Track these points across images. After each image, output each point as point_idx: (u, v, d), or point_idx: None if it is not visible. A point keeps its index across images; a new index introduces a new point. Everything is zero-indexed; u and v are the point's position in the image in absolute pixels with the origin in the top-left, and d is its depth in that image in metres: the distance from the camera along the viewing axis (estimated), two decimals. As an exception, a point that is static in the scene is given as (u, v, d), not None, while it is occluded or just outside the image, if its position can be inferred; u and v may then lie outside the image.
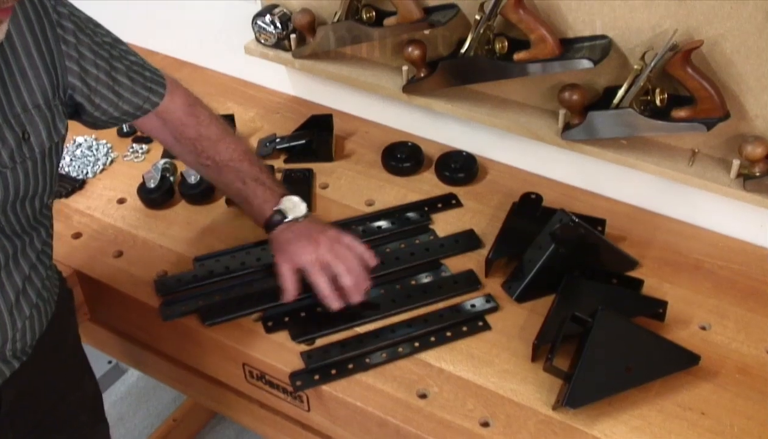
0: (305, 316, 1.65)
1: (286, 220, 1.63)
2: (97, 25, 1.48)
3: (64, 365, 1.56)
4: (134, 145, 2.09)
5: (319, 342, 1.60)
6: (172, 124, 1.63)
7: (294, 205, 1.64)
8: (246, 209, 1.70)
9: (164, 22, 2.37)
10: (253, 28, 2.07)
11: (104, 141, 2.10)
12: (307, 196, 1.91)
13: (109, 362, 2.92)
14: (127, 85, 1.51)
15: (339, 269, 1.59)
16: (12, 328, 1.36)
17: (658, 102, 1.67)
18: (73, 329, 1.64)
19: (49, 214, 1.45)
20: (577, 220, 1.65)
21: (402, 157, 1.99)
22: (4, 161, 1.27)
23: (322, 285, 1.59)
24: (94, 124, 1.54)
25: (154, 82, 1.58)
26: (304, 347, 1.59)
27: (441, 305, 1.65)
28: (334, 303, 1.59)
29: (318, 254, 1.59)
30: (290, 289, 1.60)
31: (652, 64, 1.61)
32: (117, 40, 1.53)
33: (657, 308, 1.59)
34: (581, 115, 1.74)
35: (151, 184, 1.91)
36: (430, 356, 1.56)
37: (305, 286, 1.66)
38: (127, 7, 2.41)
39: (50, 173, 1.37)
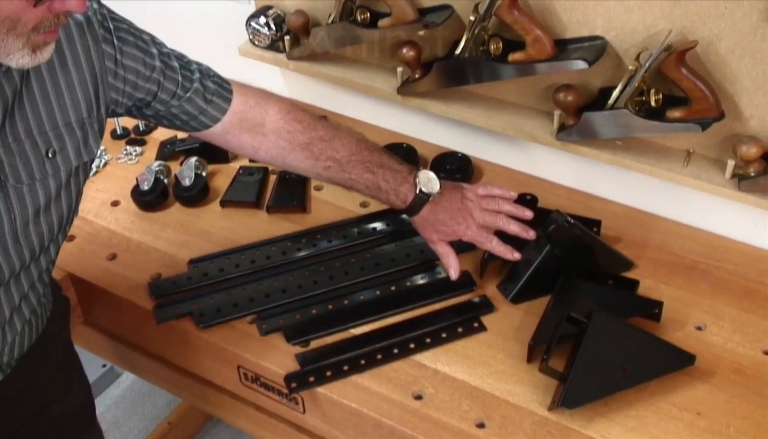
0: (300, 318, 1.64)
1: (431, 199, 1.62)
2: (153, 39, 1.47)
3: (48, 376, 1.54)
4: (128, 147, 2.09)
5: (314, 344, 1.59)
6: (277, 134, 1.59)
7: (428, 180, 1.62)
8: (379, 197, 1.64)
9: (157, 23, 2.35)
10: (247, 30, 2.07)
11: (98, 143, 2.09)
12: (302, 198, 1.91)
13: (104, 366, 2.91)
14: (180, 96, 1.49)
15: (501, 224, 1.64)
16: (1, 342, 1.35)
17: (653, 102, 1.67)
18: (64, 339, 1.62)
19: (68, 231, 1.42)
20: (572, 221, 1.65)
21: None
22: (21, 177, 1.24)
23: (499, 248, 1.64)
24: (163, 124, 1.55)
25: (218, 95, 1.54)
26: (299, 349, 1.58)
27: (436, 306, 1.65)
28: (515, 254, 1.64)
29: (476, 222, 1.63)
30: (455, 266, 1.65)
31: (647, 64, 1.61)
32: (179, 56, 1.52)
33: (652, 309, 1.59)
34: (576, 116, 1.74)
35: (145, 187, 1.91)
36: (426, 358, 1.56)
37: (301, 288, 1.68)
38: (119, 8, 2.40)
39: (75, 192, 1.35)
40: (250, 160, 2.01)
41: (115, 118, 2.09)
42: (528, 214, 1.66)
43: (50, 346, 1.52)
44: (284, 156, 1.61)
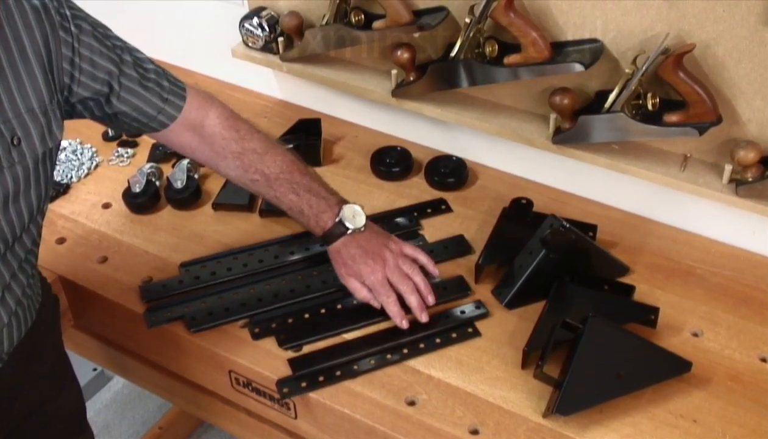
0: (292, 322, 1.64)
1: (348, 232, 1.61)
2: (108, 31, 1.47)
3: (39, 376, 1.53)
4: (119, 149, 2.07)
5: (307, 349, 1.59)
6: (212, 139, 1.60)
7: (354, 214, 1.62)
8: (301, 221, 1.65)
9: (150, 24, 2.36)
10: (240, 31, 2.06)
11: (89, 145, 2.08)
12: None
13: (94, 370, 2.90)
14: (138, 93, 1.49)
15: (405, 288, 1.60)
16: None
17: (649, 106, 1.66)
18: (55, 338, 1.61)
19: (40, 222, 1.42)
20: (567, 225, 1.64)
21: (391, 161, 1.97)
22: None
23: (393, 308, 1.60)
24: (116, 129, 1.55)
25: (173, 93, 1.55)
26: (291, 354, 1.58)
27: (430, 311, 1.63)
28: (404, 323, 1.59)
29: (385, 273, 1.60)
30: (371, 297, 1.62)
31: (644, 67, 1.60)
32: (132, 49, 1.51)
33: (648, 315, 1.58)
34: (572, 119, 1.73)
35: (137, 189, 1.90)
36: (419, 363, 1.55)
37: (294, 292, 1.67)
38: (112, 9, 2.39)
39: (44, 179, 1.35)
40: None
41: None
42: (431, 300, 1.62)
43: (41, 343, 1.51)
44: (217, 162, 1.63)
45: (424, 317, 1.60)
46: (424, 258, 1.65)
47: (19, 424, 1.50)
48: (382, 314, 1.63)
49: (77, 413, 1.68)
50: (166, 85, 1.54)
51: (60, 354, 1.63)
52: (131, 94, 1.48)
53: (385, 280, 1.60)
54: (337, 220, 1.61)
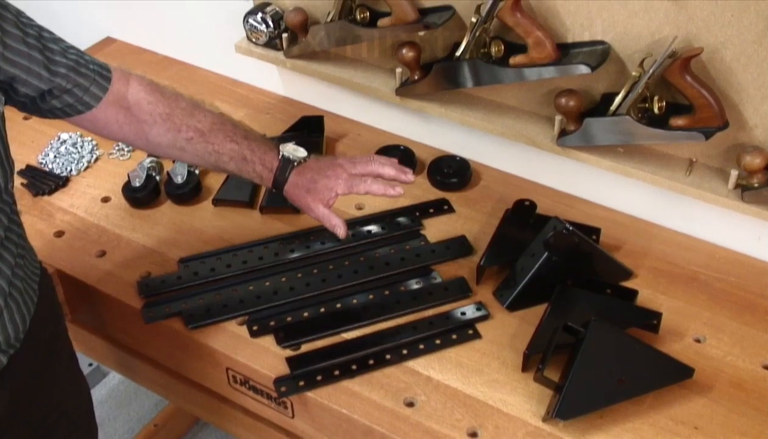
0: (291, 320, 1.63)
1: (296, 164, 1.58)
2: (29, 18, 1.40)
3: (57, 372, 1.53)
4: (120, 143, 2.06)
5: (305, 348, 1.58)
6: (138, 106, 1.52)
7: (294, 149, 1.59)
8: (246, 169, 1.58)
9: (153, 19, 2.35)
10: (245, 27, 2.05)
11: (89, 138, 2.07)
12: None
13: (90, 365, 2.89)
14: (65, 64, 1.41)
15: (374, 168, 1.58)
16: None
17: (656, 110, 1.65)
18: (64, 331, 1.59)
19: (9, 200, 1.40)
20: (571, 228, 1.63)
21: (394, 161, 1.96)
22: None
23: (375, 186, 1.56)
24: (41, 112, 1.45)
25: (99, 68, 1.47)
26: (289, 353, 1.57)
27: (430, 312, 1.64)
28: (397, 189, 1.56)
29: (348, 172, 1.57)
30: (340, 223, 1.57)
31: (651, 70, 1.59)
32: (50, 32, 1.43)
33: (651, 320, 1.57)
34: (577, 121, 1.72)
35: (137, 183, 1.89)
36: (419, 364, 1.55)
37: (293, 290, 1.66)
38: (117, 4, 2.39)
39: None
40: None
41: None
42: (407, 174, 1.59)
43: (53, 336, 1.51)
44: (147, 132, 1.54)
45: (409, 177, 1.58)
46: (377, 155, 1.64)
47: (40, 424, 1.49)
48: (381, 313, 1.63)
49: (88, 409, 1.68)
50: (89, 60, 1.46)
51: (71, 347, 1.62)
52: (57, 66, 1.40)
53: (351, 179, 1.57)
54: (281, 156, 1.58)
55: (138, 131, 1.53)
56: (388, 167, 1.58)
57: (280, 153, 1.58)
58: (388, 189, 1.56)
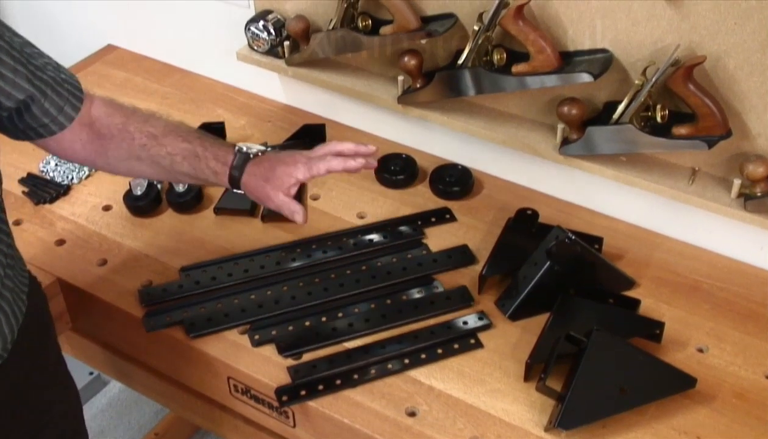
0: (293, 329, 1.63)
1: (252, 156, 1.55)
2: (13, 32, 1.38)
3: (46, 377, 1.52)
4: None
5: (307, 357, 1.58)
6: (99, 121, 1.50)
7: (250, 145, 1.57)
8: (200, 167, 1.54)
9: (155, 25, 2.35)
10: (246, 34, 2.04)
11: (91, 146, 2.06)
12: (298, 207, 1.88)
13: (91, 374, 2.89)
14: (45, 80, 1.39)
15: (332, 147, 1.55)
16: None
17: (658, 118, 1.65)
18: (54, 337, 1.59)
19: None
20: (573, 237, 1.63)
21: (396, 169, 1.96)
22: None
23: (335, 162, 1.53)
24: (16, 132, 1.43)
25: (73, 88, 1.46)
26: (291, 362, 1.57)
27: (432, 321, 1.63)
28: (358, 160, 1.54)
29: (307, 158, 1.54)
30: (299, 209, 1.53)
31: (654, 79, 1.59)
32: (33, 46, 1.43)
33: (653, 329, 1.57)
34: (580, 130, 1.72)
35: (138, 192, 1.88)
36: (421, 374, 1.54)
37: (295, 299, 1.66)
38: (118, 11, 2.39)
39: None
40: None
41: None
42: (353, 164, 1.55)
43: (43, 342, 1.50)
44: (106, 147, 1.51)
45: (370, 147, 1.56)
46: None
47: (28, 430, 1.48)
48: (383, 322, 1.62)
49: (77, 414, 1.67)
50: (65, 83, 1.44)
51: (60, 354, 1.61)
52: (28, 84, 1.37)
53: (310, 162, 1.53)
54: (236, 150, 1.55)
55: (99, 148, 1.51)
56: (346, 144, 1.56)
57: (236, 147, 1.55)
58: (348, 162, 1.54)
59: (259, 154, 1.55)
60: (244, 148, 1.55)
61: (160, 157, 1.52)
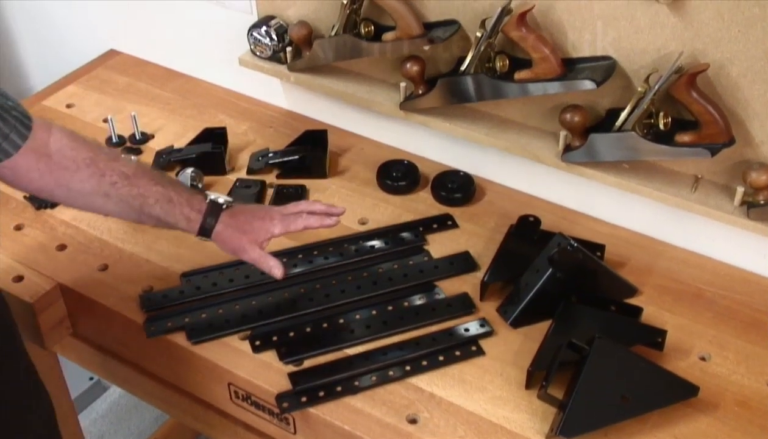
0: (294, 336, 1.62)
1: (225, 208, 1.56)
2: None
3: (13, 385, 1.50)
4: (123, 155, 2.05)
5: (308, 363, 1.57)
6: (61, 153, 1.47)
7: (217, 195, 1.58)
8: (173, 212, 1.54)
9: (157, 31, 2.35)
10: (249, 40, 2.04)
11: (93, 151, 2.06)
12: (299, 213, 1.88)
13: (91, 379, 2.88)
14: None
15: (304, 206, 1.60)
16: None
17: (661, 126, 1.65)
18: (19, 347, 1.55)
19: None
20: (575, 244, 1.62)
21: (397, 175, 1.96)
22: None
23: (310, 220, 1.59)
24: None
25: (21, 116, 1.42)
26: (291, 368, 1.56)
27: (434, 328, 1.63)
28: (333, 217, 1.61)
29: (281, 214, 1.58)
30: (277, 264, 1.56)
31: (657, 86, 1.59)
32: None
33: (656, 337, 1.56)
34: (582, 137, 1.72)
35: (140, 197, 1.87)
36: (422, 381, 1.54)
37: (296, 305, 1.66)
38: (120, 16, 2.39)
39: None
40: (248, 173, 1.99)
41: (111, 127, 2.07)
42: (329, 222, 1.62)
43: (11, 349, 1.50)
44: (69, 178, 1.48)
45: (335, 216, 1.62)
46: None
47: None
48: (384, 329, 1.62)
49: (49, 420, 1.64)
50: (11, 110, 1.41)
51: (29, 362, 1.58)
52: None
53: (285, 218, 1.59)
54: (209, 200, 1.56)
55: (59, 179, 1.48)
56: (317, 204, 1.62)
57: (207, 197, 1.57)
58: (324, 220, 1.60)
59: (230, 205, 1.58)
60: (216, 198, 1.56)
61: (131, 197, 1.51)
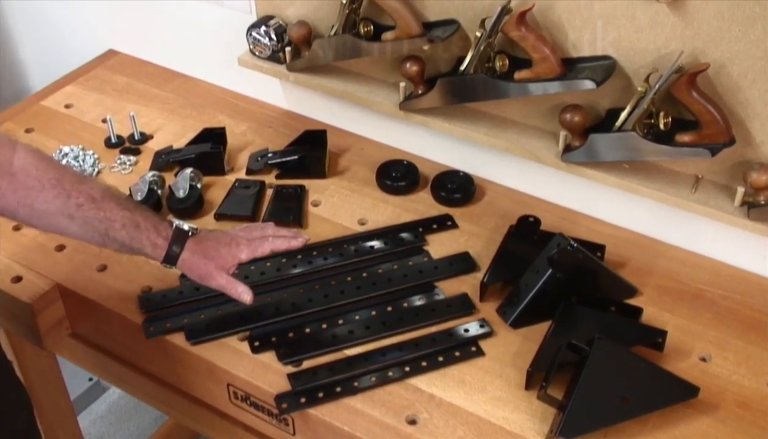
0: (293, 336, 1.62)
1: (190, 235, 1.56)
2: None
3: None
4: (122, 156, 2.05)
5: (307, 364, 1.57)
6: (25, 172, 1.45)
7: (181, 222, 1.58)
8: (138, 237, 1.52)
9: (156, 31, 2.34)
10: (248, 40, 2.04)
11: (91, 151, 2.06)
12: (299, 214, 1.88)
13: (90, 380, 2.88)
14: None
15: (269, 231, 1.62)
16: None
17: (661, 125, 1.64)
18: None
19: None
20: (575, 245, 1.62)
21: (397, 175, 1.95)
22: None
23: (278, 242, 1.61)
24: None
25: None
26: (291, 369, 1.56)
27: (433, 329, 1.62)
28: (299, 239, 1.62)
29: (247, 240, 1.59)
30: (246, 289, 1.56)
31: (657, 86, 1.59)
32: None
33: (656, 338, 1.56)
34: (582, 137, 1.71)
35: (138, 197, 1.88)
36: (421, 381, 1.53)
37: (295, 306, 1.66)
38: (119, 16, 2.38)
39: None
40: (247, 173, 1.99)
41: (110, 127, 2.07)
42: (296, 243, 1.63)
43: None
44: (33, 198, 1.45)
45: (300, 240, 1.63)
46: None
47: None
48: (384, 329, 1.62)
49: (28, 418, 1.63)
50: None
51: (5, 361, 1.57)
52: None
53: (253, 243, 1.59)
54: (174, 227, 1.56)
55: (22, 199, 1.46)
56: (283, 229, 1.63)
57: (173, 224, 1.56)
58: (291, 241, 1.61)
59: (195, 232, 1.58)
60: (181, 225, 1.57)
61: (97, 220, 1.49)
